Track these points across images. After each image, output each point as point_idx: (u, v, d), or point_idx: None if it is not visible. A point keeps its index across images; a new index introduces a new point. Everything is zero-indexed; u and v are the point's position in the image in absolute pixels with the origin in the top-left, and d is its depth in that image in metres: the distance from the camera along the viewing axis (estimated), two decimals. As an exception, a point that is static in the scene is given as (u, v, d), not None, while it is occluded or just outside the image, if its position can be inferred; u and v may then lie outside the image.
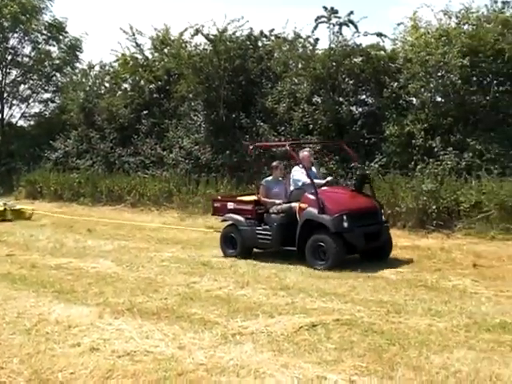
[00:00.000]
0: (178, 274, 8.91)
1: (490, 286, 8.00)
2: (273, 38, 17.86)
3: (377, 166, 14.37)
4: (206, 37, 17.19)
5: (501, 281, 8.31)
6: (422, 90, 14.44)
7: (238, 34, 17.02)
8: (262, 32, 17.66)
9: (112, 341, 5.79)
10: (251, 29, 17.23)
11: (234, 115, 17.06)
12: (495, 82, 13.94)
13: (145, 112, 19.55)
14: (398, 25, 15.42)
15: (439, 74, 14.11)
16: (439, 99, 14.40)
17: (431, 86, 14.25)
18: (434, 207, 12.77)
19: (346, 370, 4.94)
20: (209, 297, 7.53)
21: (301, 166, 10.20)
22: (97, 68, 22.01)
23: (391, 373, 4.87)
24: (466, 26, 14.36)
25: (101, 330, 6.15)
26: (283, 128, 16.12)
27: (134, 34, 19.79)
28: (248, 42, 17.21)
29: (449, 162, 13.36)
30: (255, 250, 10.72)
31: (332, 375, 4.85)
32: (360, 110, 16.05)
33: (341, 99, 15.80)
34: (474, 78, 13.90)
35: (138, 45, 20.01)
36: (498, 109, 13.67)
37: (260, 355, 5.37)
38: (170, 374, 4.97)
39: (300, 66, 16.52)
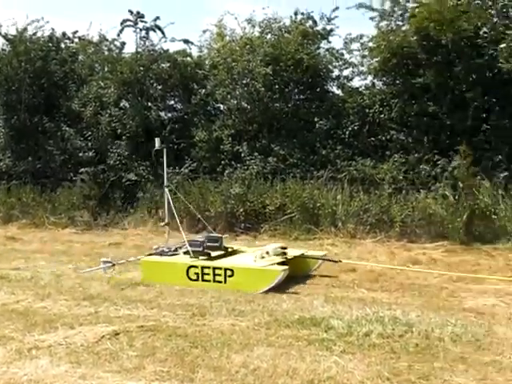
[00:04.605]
0: (-31, 290, 8.19)
1: (290, 284, 8.27)
2: (76, 40, 17.25)
3: (187, 170, 14.47)
4: (5, 37, 16.18)
5: (301, 279, 8.63)
6: (229, 96, 14.79)
7: (39, 34, 16.22)
8: (64, 33, 16.98)
9: None
10: (53, 29, 16.52)
11: (36, 119, 16.19)
12: (296, 90, 14.64)
13: None
14: (204, 32, 15.70)
15: (244, 81, 14.50)
16: (245, 106, 14.76)
17: (237, 92, 14.63)
18: (241, 210, 13.14)
19: (146, 377, 4.81)
20: (4, 311, 6.99)
21: None
22: None
23: (192, 375, 4.82)
24: (268, 36, 14.91)
25: None
26: (90, 133, 15.62)
27: None
28: (50, 44, 16.41)
29: (255, 167, 13.84)
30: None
31: (132, 383, 4.70)
32: (169, 115, 16.01)
33: (149, 104, 15.66)
34: (277, 86, 14.43)
35: None
36: (298, 116, 14.34)
37: (57, 368, 5.07)
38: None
39: (106, 69, 16.16)
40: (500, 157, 12.24)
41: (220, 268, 8.12)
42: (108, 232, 13.90)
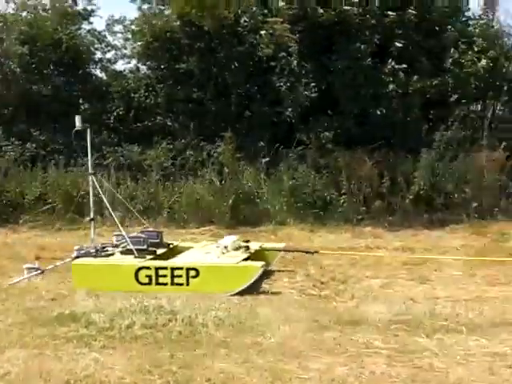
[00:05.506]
0: None
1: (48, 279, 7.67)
2: None
3: None
4: None
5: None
6: (-21, 77, 13.50)
7: None
8: None
9: None
10: None
11: None
12: (56, 72, 13.83)
13: None
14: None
15: (-2, 61, 13.35)
16: (-1, 88, 13.60)
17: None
18: (-3, 201, 12.13)
19: None
20: None
21: None
22: None
23: None
24: (24, 13, 13.92)
25: None
26: None
27: None
28: None
29: (12, 153, 12.93)
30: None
31: None
32: None
33: None
34: (34, 67, 13.50)
35: None
36: (60, 99, 13.55)
37: None
38: None
39: None
40: (262, 143, 12.68)
41: (181, 268, 6.97)
42: None
